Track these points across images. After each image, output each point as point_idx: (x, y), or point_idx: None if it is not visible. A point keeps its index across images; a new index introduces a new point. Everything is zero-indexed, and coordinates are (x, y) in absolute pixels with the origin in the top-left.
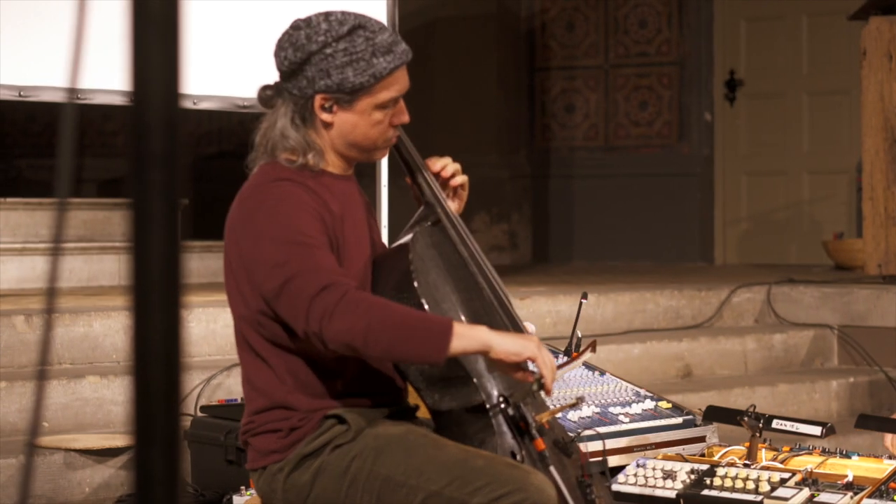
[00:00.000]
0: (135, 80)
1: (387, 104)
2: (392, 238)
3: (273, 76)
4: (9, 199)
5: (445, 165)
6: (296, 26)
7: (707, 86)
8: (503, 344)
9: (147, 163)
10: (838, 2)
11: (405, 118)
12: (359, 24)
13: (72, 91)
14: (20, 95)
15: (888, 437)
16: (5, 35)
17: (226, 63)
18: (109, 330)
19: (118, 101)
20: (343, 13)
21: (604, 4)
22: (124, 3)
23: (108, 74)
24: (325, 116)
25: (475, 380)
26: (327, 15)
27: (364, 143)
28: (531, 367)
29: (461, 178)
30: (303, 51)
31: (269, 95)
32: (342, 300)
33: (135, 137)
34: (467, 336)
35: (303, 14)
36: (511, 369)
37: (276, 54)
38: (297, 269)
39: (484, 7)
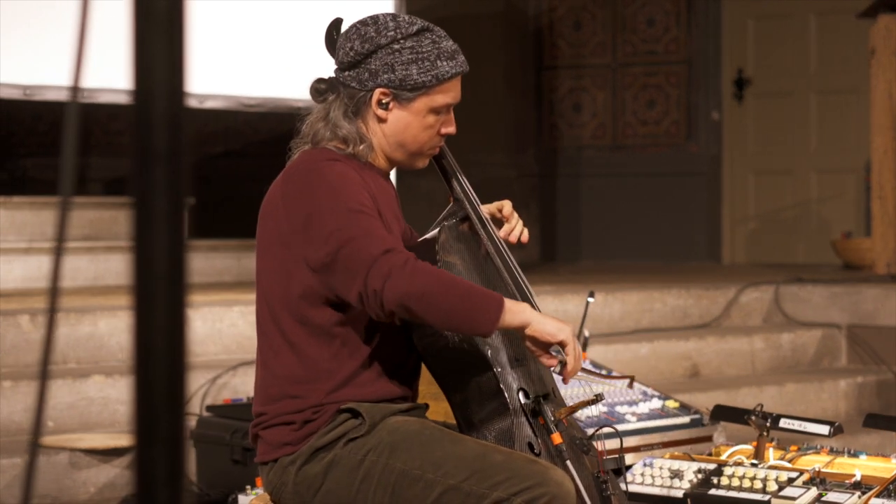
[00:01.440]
0: (138, 77)
1: (441, 109)
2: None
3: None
4: (14, 198)
5: (513, 230)
6: (364, 22)
7: (715, 84)
8: (541, 323)
9: (151, 160)
10: (847, 0)
11: (453, 129)
12: (426, 28)
13: (75, 90)
14: (25, 94)
15: None
16: (10, 34)
17: (232, 62)
18: (115, 329)
19: (124, 99)
20: (411, 17)
21: (611, 3)
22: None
23: (114, 73)
24: (381, 112)
25: (496, 370)
26: (395, 16)
27: (412, 146)
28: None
29: (525, 237)
30: (371, 43)
31: (322, 89)
32: (406, 263)
33: (138, 135)
34: (513, 311)
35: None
36: (539, 349)
37: (342, 46)
38: (356, 232)
39: (491, 6)
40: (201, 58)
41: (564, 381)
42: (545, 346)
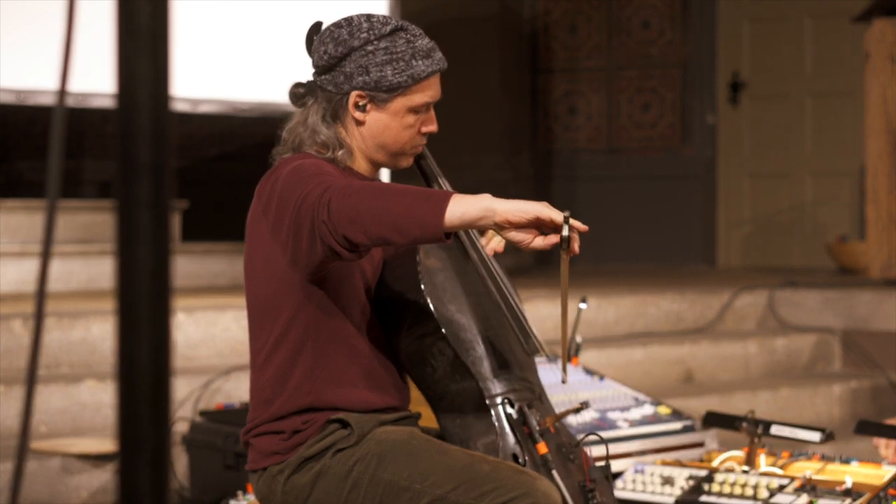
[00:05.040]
0: (121, 87)
1: (419, 108)
2: None
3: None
4: (8, 202)
5: (489, 242)
6: (338, 24)
7: (710, 88)
8: (506, 205)
9: (135, 173)
10: (842, 3)
11: (434, 127)
12: (400, 27)
13: (61, 94)
14: (18, 99)
15: (881, 441)
16: (4, 39)
17: (225, 67)
18: (108, 334)
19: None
20: (385, 16)
21: (606, 6)
22: (111, 8)
23: (106, 77)
24: (358, 115)
25: (479, 382)
26: (369, 16)
27: (393, 147)
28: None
29: (500, 248)
30: (344, 46)
31: (300, 93)
32: (346, 186)
33: (122, 145)
34: (467, 200)
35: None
36: (525, 236)
37: (316, 49)
38: (309, 189)
39: (486, 9)
40: (195, 62)
41: (572, 253)
42: (529, 231)
